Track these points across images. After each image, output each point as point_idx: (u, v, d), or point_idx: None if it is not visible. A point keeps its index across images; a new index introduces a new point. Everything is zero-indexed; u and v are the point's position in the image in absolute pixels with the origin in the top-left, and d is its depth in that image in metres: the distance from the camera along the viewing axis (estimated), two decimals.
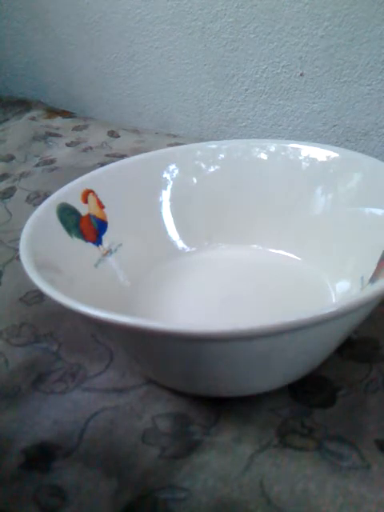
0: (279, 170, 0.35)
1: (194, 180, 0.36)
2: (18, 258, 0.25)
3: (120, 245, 0.33)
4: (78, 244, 0.31)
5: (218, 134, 0.63)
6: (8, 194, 0.51)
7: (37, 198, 0.49)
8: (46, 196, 0.31)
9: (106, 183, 0.33)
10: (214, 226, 0.36)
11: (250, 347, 0.21)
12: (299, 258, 0.34)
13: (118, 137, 0.62)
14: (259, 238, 0.35)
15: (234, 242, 0.35)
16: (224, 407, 0.26)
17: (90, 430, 0.25)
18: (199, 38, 0.58)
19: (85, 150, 0.59)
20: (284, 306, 0.30)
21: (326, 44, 0.50)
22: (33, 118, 0.72)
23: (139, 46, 0.64)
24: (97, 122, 0.69)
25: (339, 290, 0.30)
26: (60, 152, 0.60)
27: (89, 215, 0.32)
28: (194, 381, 0.25)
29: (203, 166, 0.36)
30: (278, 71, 0.54)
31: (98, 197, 0.33)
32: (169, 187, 0.36)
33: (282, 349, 0.22)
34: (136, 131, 0.64)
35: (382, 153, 0.51)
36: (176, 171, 0.36)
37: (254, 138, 0.59)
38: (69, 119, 0.70)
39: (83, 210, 0.32)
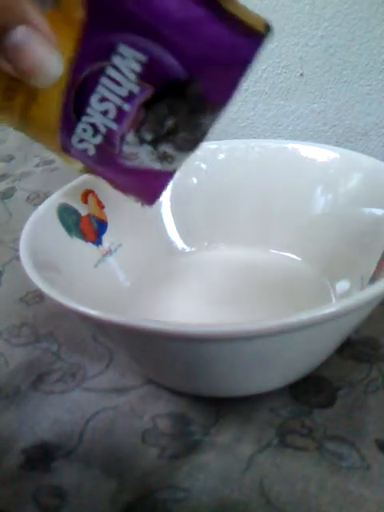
0: (279, 169, 0.35)
1: (194, 180, 0.36)
2: (18, 257, 0.25)
3: (120, 245, 0.33)
4: (77, 244, 0.31)
5: (218, 134, 0.63)
6: (8, 194, 0.51)
7: (37, 198, 0.49)
8: (46, 196, 0.31)
9: (106, 183, 0.33)
10: (214, 226, 0.36)
11: (250, 347, 0.21)
12: (299, 258, 0.34)
13: None
14: (259, 238, 0.35)
15: (234, 241, 0.35)
16: (224, 407, 0.26)
17: (89, 430, 0.25)
18: None
19: None
20: (284, 306, 0.30)
21: (326, 44, 0.50)
22: None
23: None
24: None
25: (339, 290, 0.30)
26: None
27: (89, 215, 0.32)
28: (194, 381, 0.25)
29: (203, 166, 0.36)
30: (278, 71, 0.54)
31: (98, 197, 0.33)
32: (169, 187, 0.36)
33: (281, 349, 0.22)
34: None
35: (382, 153, 0.51)
36: None
37: (254, 138, 0.59)
38: None
39: (83, 210, 0.32)
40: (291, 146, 0.34)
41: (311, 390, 0.26)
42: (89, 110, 0.22)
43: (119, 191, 0.27)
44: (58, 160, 0.57)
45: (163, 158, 0.24)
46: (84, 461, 0.24)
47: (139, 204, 0.27)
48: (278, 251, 0.35)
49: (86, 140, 0.23)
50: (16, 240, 0.40)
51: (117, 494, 0.22)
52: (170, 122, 0.22)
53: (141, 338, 0.22)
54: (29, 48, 0.18)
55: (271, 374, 0.25)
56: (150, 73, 0.21)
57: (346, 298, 0.20)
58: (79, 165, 0.25)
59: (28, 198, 0.50)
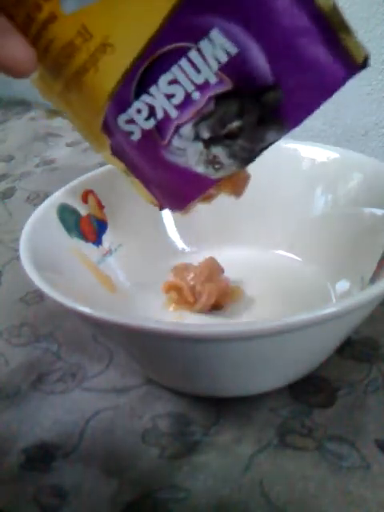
0: (279, 169, 0.35)
1: None
2: (18, 257, 0.25)
3: (120, 245, 0.33)
4: (78, 244, 0.31)
5: None
6: (8, 194, 0.51)
7: (37, 198, 0.49)
8: (46, 196, 0.31)
9: (105, 183, 0.33)
10: (214, 226, 0.36)
11: (250, 347, 0.21)
12: (299, 258, 0.34)
13: None
14: (259, 238, 0.35)
15: (234, 242, 0.35)
16: (224, 407, 0.26)
17: (90, 430, 0.25)
18: None
19: (85, 150, 0.59)
20: (284, 306, 0.30)
21: None
22: (33, 118, 0.72)
23: None
24: None
25: (339, 290, 0.30)
26: (60, 152, 0.60)
27: (89, 215, 0.32)
28: (194, 381, 0.25)
29: None
30: None
31: (98, 197, 0.33)
32: None
33: (282, 349, 0.22)
34: None
35: (382, 153, 0.51)
36: None
37: None
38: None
39: (83, 210, 0.32)
40: (291, 145, 0.34)
41: (311, 390, 0.26)
42: (152, 90, 0.20)
43: (146, 185, 0.24)
44: (58, 160, 0.57)
45: (211, 162, 0.22)
46: (84, 461, 0.24)
47: (158, 208, 0.25)
48: (278, 251, 0.35)
49: (136, 122, 0.21)
50: (16, 240, 0.40)
51: (117, 494, 0.22)
52: (234, 124, 0.21)
53: (141, 338, 0.22)
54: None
55: (271, 373, 0.25)
56: (234, 66, 0.19)
57: (346, 298, 0.20)
58: (108, 152, 0.23)
59: (28, 197, 0.50)
